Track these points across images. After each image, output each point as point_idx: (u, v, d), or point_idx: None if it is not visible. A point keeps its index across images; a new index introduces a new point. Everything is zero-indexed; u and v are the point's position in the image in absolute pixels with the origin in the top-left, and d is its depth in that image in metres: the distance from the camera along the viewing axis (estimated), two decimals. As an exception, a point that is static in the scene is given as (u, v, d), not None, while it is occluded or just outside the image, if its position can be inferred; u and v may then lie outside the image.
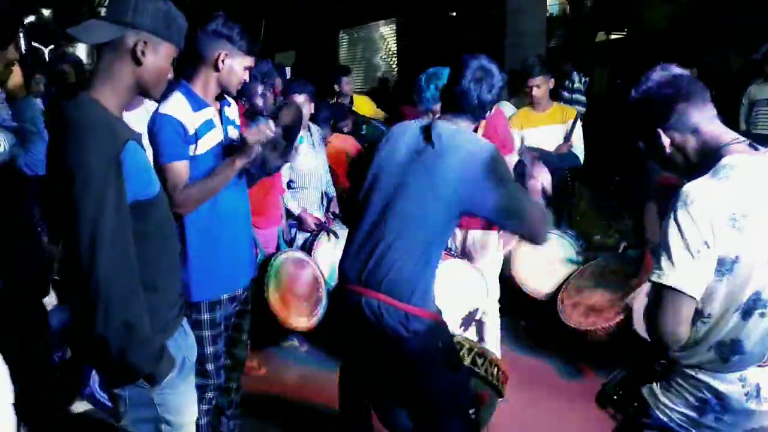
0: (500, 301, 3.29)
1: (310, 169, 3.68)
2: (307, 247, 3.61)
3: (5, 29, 2.28)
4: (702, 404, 1.54)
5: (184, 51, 1.66)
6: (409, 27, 12.42)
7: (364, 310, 1.94)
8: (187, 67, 2.26)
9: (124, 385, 1.56)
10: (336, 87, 5.39)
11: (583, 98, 5.94)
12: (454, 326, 2.75)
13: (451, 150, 1.96)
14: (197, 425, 1.85)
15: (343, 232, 3.55)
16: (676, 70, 1.58)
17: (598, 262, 3.47)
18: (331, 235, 3.62)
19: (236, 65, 2.19)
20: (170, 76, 1.63)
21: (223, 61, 2.16)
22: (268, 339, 3.71)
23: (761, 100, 5.36)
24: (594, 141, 4.39)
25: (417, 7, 11.92)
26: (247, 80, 2.28)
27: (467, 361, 2.37)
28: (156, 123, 2.11)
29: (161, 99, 2.04)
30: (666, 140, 1.55)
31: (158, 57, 1.55)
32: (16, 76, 2.31)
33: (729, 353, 1.50)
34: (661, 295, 1.45)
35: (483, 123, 2.92)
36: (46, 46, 17.48)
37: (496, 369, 2.52)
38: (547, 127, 3.92)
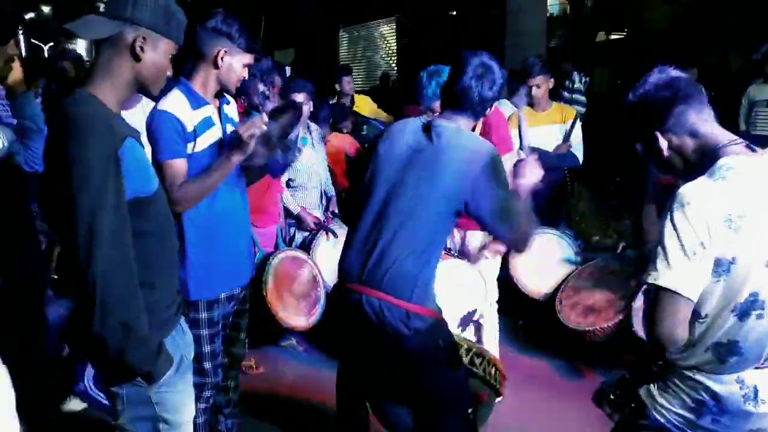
0: (498, 301, 3.29)
1: (309, 168, 3.68)
2: (306, 246, 3.61)
3: (5, 26, 2.28)
4: (699, 406, 1.54)
5: (183, 48, 1.65)
6: (410, 26, 12.44)
7: (364, 309, 1.94)
8: (186, 65, 2.26)
9: (121, 383, 1.55)
10: (337, 86, 5.37)
11: (583, 98, 5.94)
12: (451, 326, 2.75)
13: (452, 149, 1.95)
14: (195, 424, 1.84)
15: (342, 231, 3.55)
16: (674, 72, 1.58)
17: (597, 263, 3.46)
18: (329, 234, 3.62)
19: (235, 63, 2.18)
20: (169, 73, 1.62)
21: (222, 58, 2.15)
22: (266, 338, 3.70)
23: (760, 101, 5.36)
24: (594, 141, 4.39)
25: (417, 6, 11.93)
26: (247, 78, 2.28)
27: (465, 361, 2.37)
28: (155, 120, 2.10)
29: (160, 96, 2.03)
30: (664, 143, 1.55)
31: (157, 53, 1.54)
32: (16, 72, 2.31)
33: (726, 354, 1.50)
34: (657, 296, 1.45)
35: (480, 121, 2.92)
36: (45, 44, 17.47)
37: (494, 369, 2.52)
38: (547, 127, 3.92)
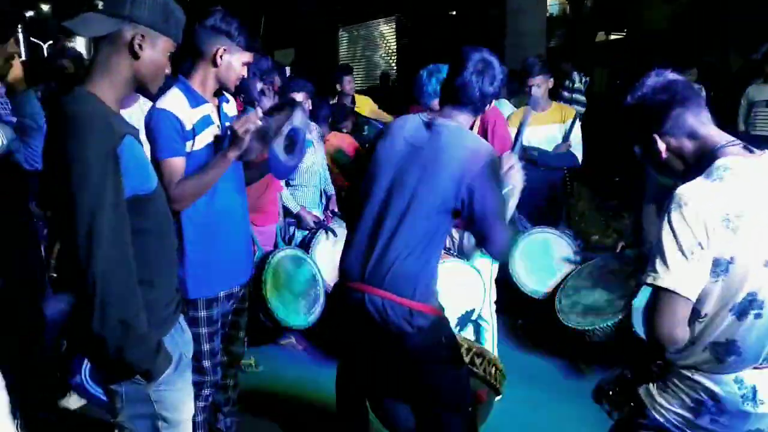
0: (498, 300, 3.29)
1: (308, 167, 3.68)
2: (305, 245, 3.61)
3: (5, 24, 2.27)
4: (698, 405, 1.55)
5: (182, 46, 1.65)
6: (409, 26, 12.44)
7: (367, 308, 1.94)
8: (185, 63, 2.26)
9: (120, 381, 1.55)
10: (338, 86, 5.37)
11: (583, 98, 5.94)
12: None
13: (452, 147, 1.95)
14: (194, 422, 1.85)
15: (341, 230, 3.55)
16: (671, 75, 1.59)
17: (596, 262, 3.47)
18: (329, 233, 3.62)
19: (234, 61, 2.18)
20: (168, 71, 1.62)
21: (221, 56, 2.15)
22: (265, 337, 3.70)
23: (760, 102, 5.35)
24: (593, 141, 4.39)
25: (417, 6, 11.93)
26: (246, 76, 2.27)
27: (466, 361, 2.37)
28: (153, 118, 2.10)
29: (159, 94, 2.03)
30: (662, 145, 1.56)
31: (156, 51, 1.54)
32: (16, 70, 2.31)
33: (724, 354, 1.50)
34: (656, 296, 1.46)
35: (479, 120, 2.92)
36: (44, 42, 17.45)
37: (494, 368, 2.52)
38: (546, 127, 3.92)
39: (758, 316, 1.47)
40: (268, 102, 3.22)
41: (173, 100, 2.11)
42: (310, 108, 3.75)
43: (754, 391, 1.52)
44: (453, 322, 2.88)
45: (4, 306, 2.38)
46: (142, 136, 1.80)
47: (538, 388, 3.25)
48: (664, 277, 1.43)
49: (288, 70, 6.11)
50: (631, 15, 10.69)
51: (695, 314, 1.48)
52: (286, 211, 3.65)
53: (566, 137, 3.90)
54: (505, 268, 3.48)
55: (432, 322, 1.96)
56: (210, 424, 2.51)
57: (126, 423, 1.60)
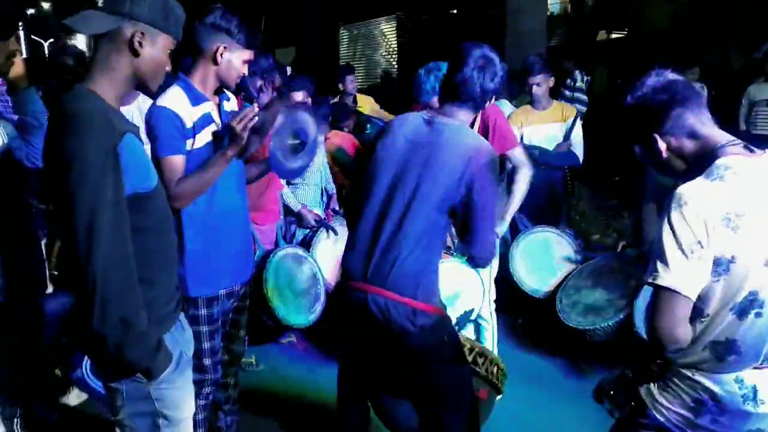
0: (498, 300, 3.29)
1: (309, 166, 3.67)
2: (306, 244, 3.61)
3: (6, 22, 2.27)
4: (698, 405, 1.55)
5: (182, 44, 1.65)
6: (410, 24, 12.42)
7: (370, 307, 1.94)
8: (185, 61, 2.25)
9: (121, 379, 1.55)
10: (340, 85, 5.37)
11: (584, 97, 5.93)
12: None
13: (453, 146, 1.95)
14: (194, 420, 1.85)
15: (342, 229, 3.55)
16: (671, 75, 1.60)
17: (597, 262, 3.46)
18: (330, 231, 3.62)
19: (235, 59, 2.18)
20: (168, 68, 1.62)
21: (221, 54, 2.15)
22: (266, 335, 3.70)
23: (761, 101, 5.35)
24: (594, 140, 4.38)
25: (418, 5, 11.91)
26: (246, 74, 2.27)
27: (469, 360, 2.37)
28: (154, 116, 2.10)
29: (159, 92, 2.03)
30: (662, 145, 1.56)
31: (156, 48, 1.54)
32: (17, 67, 2.30)
33: (724, 352, 1.50)
34: (657, 295, 1.46)
35: (479, 118, 2.91)
36: (45, 40, 17.45)
37: (496, 368, 2.52)
38: (547, 126, 3.92)
39: (758, 315, 1.47)
40: (266, 99, 3.22)
41: (174, 98, 2.11)
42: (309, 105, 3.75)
43: (755, 390, 1.52)
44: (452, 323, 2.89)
45: (4, 304, 2.38)
46: (143, 134, 1.80)
47: (539, 388, 3.25)
48: (665, 276, 1.43)
49: (288, 69, 6.10)
50: (632, 14, 10.67)
51: (697, 314, 1.48)
52: (287, 210, 3.65)
53: (567, 136, 3.90)
54: (505, 267, 3.48)
55: (435, 321, 1.96)
56: (210, 423, 2.51)
57: (126, 421, 1.60)
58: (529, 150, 3.65)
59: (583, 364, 3.46)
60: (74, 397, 3.03)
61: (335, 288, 2.23)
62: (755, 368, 1.52)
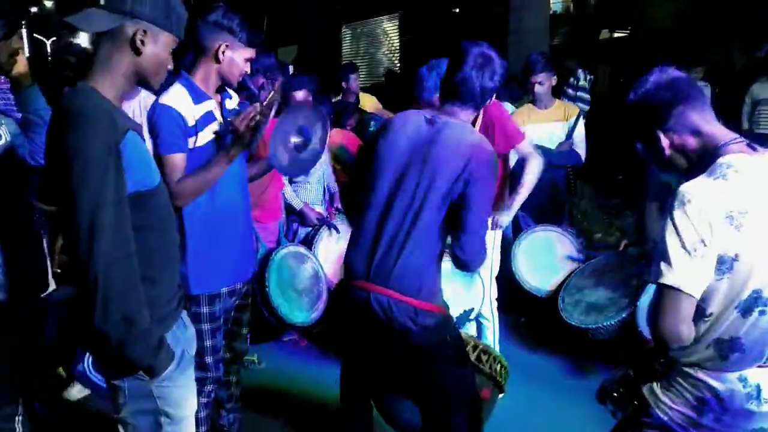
0: (500, 298, 3.29)
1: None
2: (308, 242, 3.61)
3: (9, 20, 2.27)
4: (702, 404, 1.54)
5: (184, 42, 1.65)
6: (412, 23, 12.42)
7: (372, 306, 1.94)
8: (187, 59, 2.25)
9: (123, 376, 1.55)
10: (344, 84, 5.37)
11: (587, 96, 5.92)
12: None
13: (454, 144, 1.95)
14: (196, 418, 1.84)
15: (344, 227, 3.55)
16: (674, 72, 1.59)
17: (599, 260, 3.46)
18: (332, 229, 3.62)
19: (237, 57, 2.18)
20: (170, 66, 1.62)
21: (223, 52, 2.15)
22: (268, 333, 3.70)
23: (764, 99, 5.34)
24: (596, 139, 4.38)
25: (420, 3, 11.90)
26: (248, 72, 2.27)
27: (472, 358, 2.37)
28: (156, 113, 2.10)
29: (161, 90, 2.03)
30: (665, 142, 1.56)
31: (157, 46, 1.54)
32: (20, 65, 2.30)
33: (728, 351, 1.50)
34: (660, 294, 1.46)
35: (481, 116, 2.91)
36: (48, 38, 17.47)
37: (499, 365, 2.51)
38: (549, 125, 3.91)
39: (763, 313, 1.46)
40: (265, 95, 3.21)
41: (176, 96, 2.11)
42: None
43: (759, 389, 1.52)
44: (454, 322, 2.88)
45: (5, 303, 2.38)
46: (145, 132, 1.80)
47: (541, 387, 3.25)
48: (668, 274, 1.43)
49: (291, 68, 6.10)
50: (635, 12, 10.66)
51: (701, 313, 1.48)
52: (289, 208, 3.65)
53: (569, 135, 3.89)
54: (507, 266, 3.48)
55: (437, 320, 1.96)
56: (213, 421, 2.51)
57: (129, 419, 1.60)
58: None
59: (585, 363, 3.45)
60: (77, 392, 3.03)
61: (338, 287, 2.23)
62: (759, 367, 1.52)
